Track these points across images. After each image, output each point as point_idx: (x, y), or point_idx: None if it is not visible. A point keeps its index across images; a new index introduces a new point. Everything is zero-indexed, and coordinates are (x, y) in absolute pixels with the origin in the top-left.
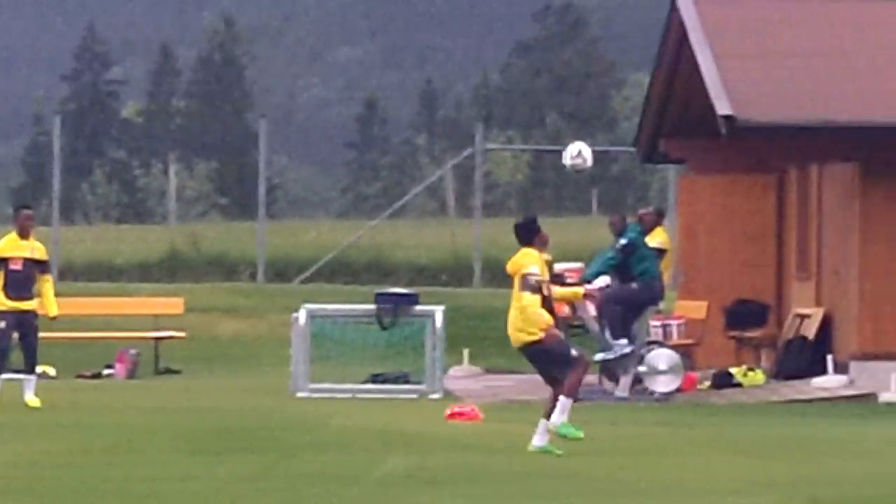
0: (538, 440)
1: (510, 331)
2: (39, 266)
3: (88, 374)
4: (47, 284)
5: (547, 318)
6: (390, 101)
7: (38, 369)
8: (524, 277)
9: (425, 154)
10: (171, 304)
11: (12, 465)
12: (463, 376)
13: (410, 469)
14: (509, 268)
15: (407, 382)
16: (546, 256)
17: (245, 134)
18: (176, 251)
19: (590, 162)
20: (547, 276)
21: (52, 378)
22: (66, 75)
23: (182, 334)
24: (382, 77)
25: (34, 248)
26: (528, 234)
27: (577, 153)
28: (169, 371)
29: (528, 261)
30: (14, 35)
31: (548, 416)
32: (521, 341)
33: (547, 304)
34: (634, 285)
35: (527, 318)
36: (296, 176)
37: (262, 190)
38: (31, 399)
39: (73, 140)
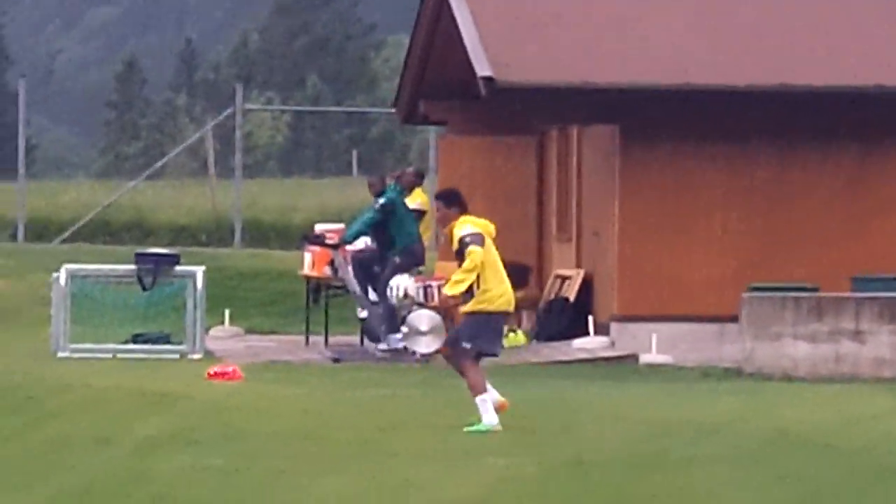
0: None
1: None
2: None
3: None
4: None
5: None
6: (150, 61)
7: None
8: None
9: (185, 114)
10: None
11: None
12: (224, 336)
13: (171, 429)
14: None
15: (168, 343)
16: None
17: (4, 93)
18: None
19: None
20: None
21: None
22: None
23: None
24: (141, 37)
25: None
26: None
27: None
28: None
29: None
30: None
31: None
32: None
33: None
34: (397, 259)
35: None
36: (55, 136)
37: (21, 149)
38: None
39: None
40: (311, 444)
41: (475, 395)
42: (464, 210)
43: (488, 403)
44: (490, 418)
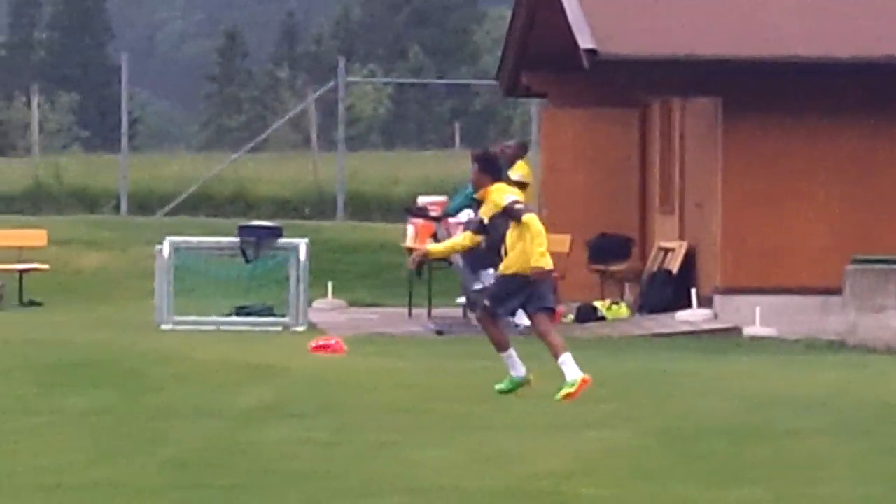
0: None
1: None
2: None
3: None
4: None
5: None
6: (251, 33)
7: None
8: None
9: (287, 87)
10: (34, 237)
11: None
12: (327, 309)
13: (273, 401)
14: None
15: (271, 315)
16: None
17: (107, 67)
18: (39, 183)
19: None
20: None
21: None
22: None
23: (45, 266)
24: (243, 9)
25: None
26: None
27: None
28: (32, 303)
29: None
30: None
31: None
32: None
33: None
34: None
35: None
36: (157, 109)
37: (124, 122)
38: None
39: None
40: (413, 416)
41: (500, 352)
42: (496, 178)
43: (514, 358)
44: (518, 371)
